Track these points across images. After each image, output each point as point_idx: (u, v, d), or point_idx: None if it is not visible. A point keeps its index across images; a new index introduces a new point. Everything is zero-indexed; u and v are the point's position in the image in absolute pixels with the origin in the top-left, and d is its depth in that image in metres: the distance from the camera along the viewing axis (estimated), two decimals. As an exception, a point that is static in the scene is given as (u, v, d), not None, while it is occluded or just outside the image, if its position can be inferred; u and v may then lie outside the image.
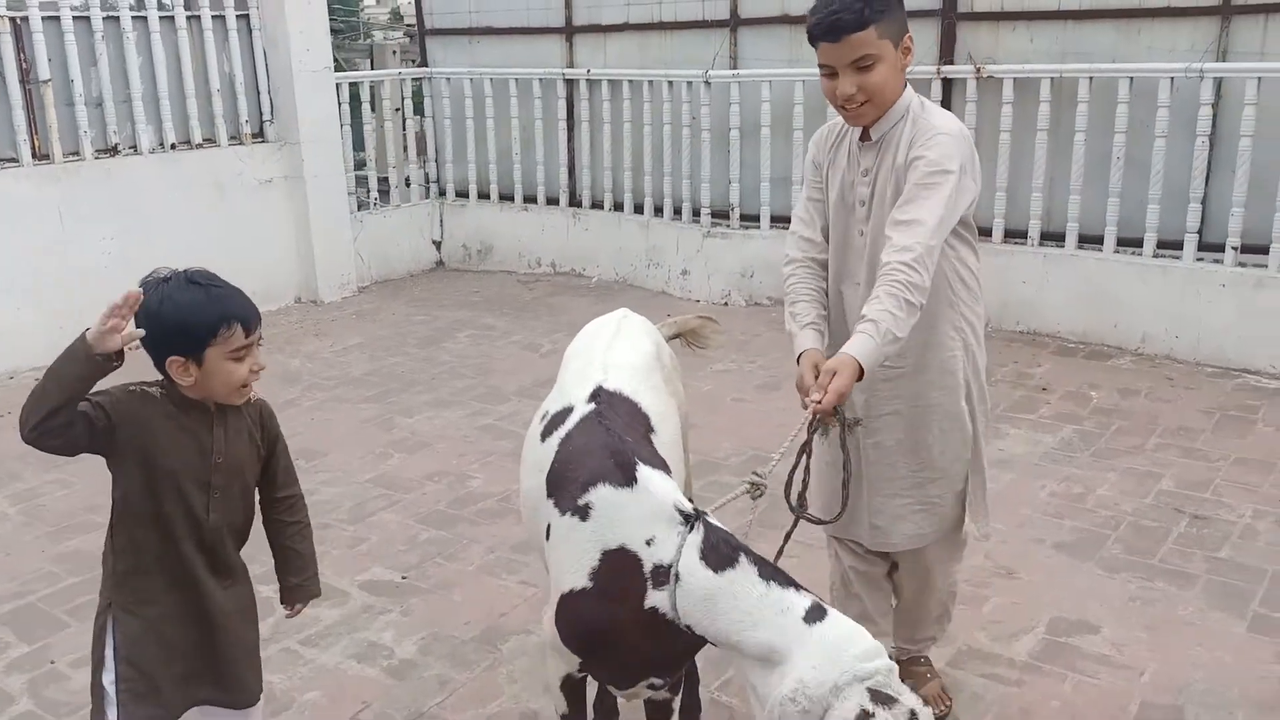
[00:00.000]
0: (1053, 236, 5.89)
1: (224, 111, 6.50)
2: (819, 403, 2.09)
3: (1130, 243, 5.63)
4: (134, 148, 6.07)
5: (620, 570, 1.90)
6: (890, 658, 1.74)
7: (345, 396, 5.30)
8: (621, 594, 1.90)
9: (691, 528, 1.87)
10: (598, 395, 2.20)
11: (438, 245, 8.09)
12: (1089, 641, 3.05)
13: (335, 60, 11.91)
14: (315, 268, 6.96)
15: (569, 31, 7.57)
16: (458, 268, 8.07)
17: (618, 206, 7.45)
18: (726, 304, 6.84)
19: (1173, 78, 5.30)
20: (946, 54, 6.07)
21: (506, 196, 7.89)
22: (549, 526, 2.09)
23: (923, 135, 2.30)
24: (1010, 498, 3.95)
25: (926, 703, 1.73)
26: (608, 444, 2.02)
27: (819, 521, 2.29)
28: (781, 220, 6.68)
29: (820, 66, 2.31)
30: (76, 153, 5.81)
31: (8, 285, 5.49)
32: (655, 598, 1.87)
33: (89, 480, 4.23)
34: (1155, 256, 5.54)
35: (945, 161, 2.25)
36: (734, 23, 6.85)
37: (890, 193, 2.33)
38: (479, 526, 3.88)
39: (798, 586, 1.80)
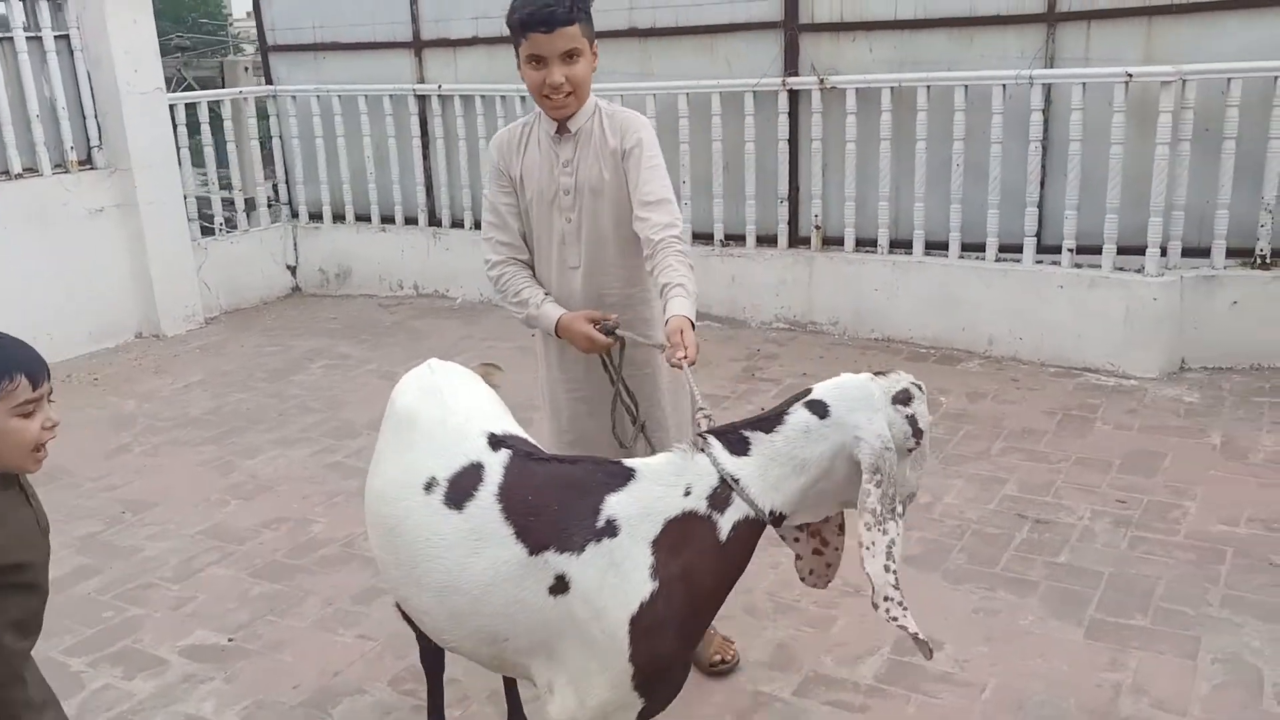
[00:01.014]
0: (901, 244, 5.95)
1: (46, 138, 6.04)
2: (687, 358, 2.22)
3: (974, 247, 5.72)
4: (4, 172, 5.58)
5: (684, 532, 1.87)
6: None
7: (182, 439, 4.96)
8: (698, 543, 1.87)
9: (703, 448, 1.92)
10: (501, 441, 2.07)
11: (293, 270, 7.73)
12: (933, 659, 3.01)
13: (185, 79, 11.36)
14: (155, 300, 6.54)
15: (418, 46, 7.33)
16: (315, 293, 7.72)
17: (478, 225, 7.22)
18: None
19: (1004, 84, 5.40)
20: (791, 65, 6.07)
21: (363, 217, 7.59)
22: (562, 579, 1.85)
23: (629, 124, 2.56)
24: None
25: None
26: (572, 465, 2.03)
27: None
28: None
29: (529, 58, 2.44)
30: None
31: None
32: (730, 515, 1.88)
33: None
34: (997, 260, 5.63)
35: (656, 146, 2.58)
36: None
37: (597, 177, 2.55)
38: (317, 576, 3.64)
39: (785, 408, 1.95)
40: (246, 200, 7.51)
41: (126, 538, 3.98)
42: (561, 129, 2.57)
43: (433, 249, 7.39)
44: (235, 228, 7.42)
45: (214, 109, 7.15)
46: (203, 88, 12.88)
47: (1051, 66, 5.50)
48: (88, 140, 6.30)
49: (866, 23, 5.88)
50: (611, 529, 1.84)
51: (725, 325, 6.38)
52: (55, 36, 6.04)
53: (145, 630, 3.34)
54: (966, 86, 5.49)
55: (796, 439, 1.90)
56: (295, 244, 7.70)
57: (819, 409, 1.92)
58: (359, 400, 5.41)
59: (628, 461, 1.98)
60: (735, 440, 1.93)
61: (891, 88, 5.70)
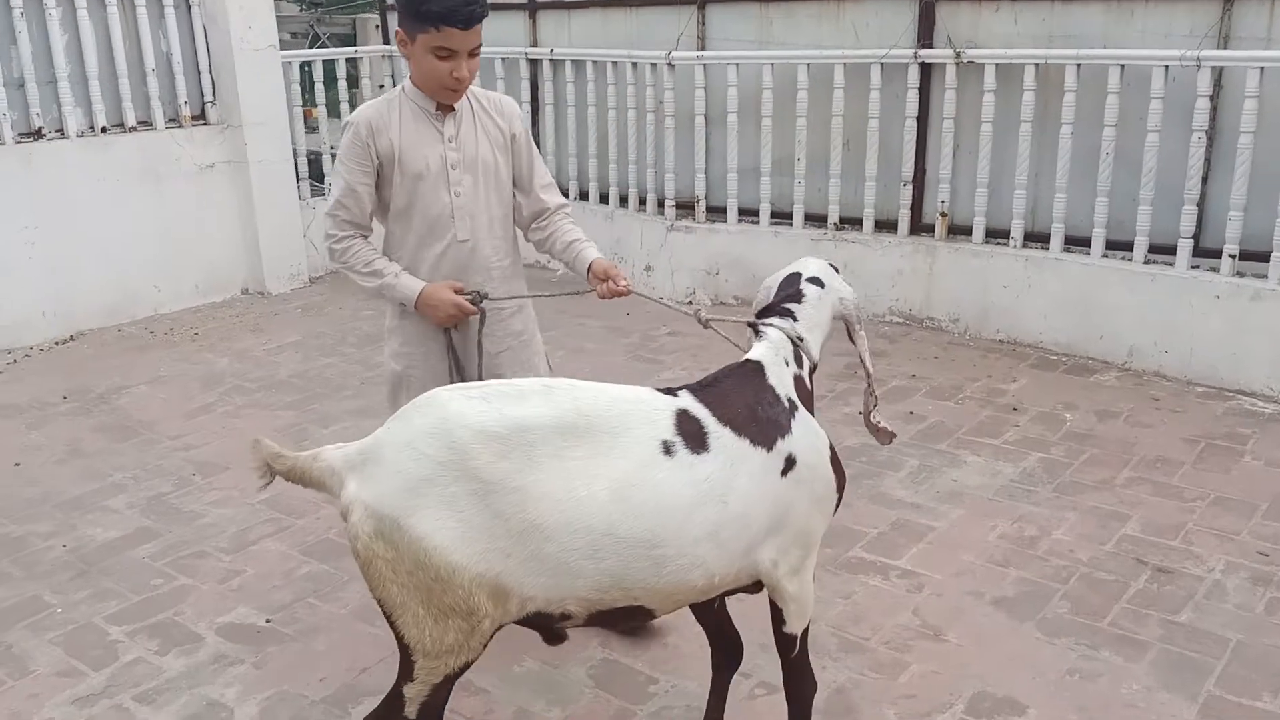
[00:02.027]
0: (1036, 237, 5.46)
1: (160, 93, 6.16)
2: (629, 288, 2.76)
3: (1120, 246, 5.19)
4: (60, 131, 5.75)
5: (800, 388, 2.31)
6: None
7: (265, 402, 4.98)
8: (805, 393, 2.32)
9: (761, 335, 2.35)
10: (662, 390, 2.23)
11: (400, 232, 7.73)
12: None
13: (319, 35, 11.59)
14: (261, 258, 6.64)
15: (533, 8, 7.17)
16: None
17: (583, 196, 7.07)
18: (691, 302, 6.45)
19: (1167, 66, 4.84)
20: (925, 36, 5.62)
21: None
22: (790, 459, 2.15)
23: (505, 106, 2.82)
24: (953, 540, 3.57)
25: None
26: (726, 378, 2.27)
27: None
28: (749, 214, 6.30)
29: (437, 49, 2.55)
30: (-3, 137, 5.50)
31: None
32: (805, 368, 2.36)
33: None
34: (1146, 263, 5.09)
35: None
36: (702, 0, 6.41)
37: (486, 153, 2.75)
38: (366, 560, 3.54)
39: (796, 287, 2.44)
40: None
41: (191, 501, 3.99)
42: (442, 106, 2.70)
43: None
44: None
45: (351, 67, 7.17)
46: (339, 44, 13.10)
47: (1225, 48, 4.89)
48: (201, 96, 6.40)
49: (1012, -9, 5.38)
50: (791, 405, 2.24)
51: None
52: (174, -10, 6.13)
53: (188, 602, 3.31)
54: (1123, 66, 4.95)
55: (815, 305, 2.42)
56: (404, 207, 7.69)
57: (818, 282, 2.47)
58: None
59: (749, 355, 2.31)
60: (786, 313, 2.40)
61: (1036, 64, 5.20)
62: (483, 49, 7.17)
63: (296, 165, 7.00)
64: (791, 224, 6.14)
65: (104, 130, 5.92)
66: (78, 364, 5.49)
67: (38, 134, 5.65)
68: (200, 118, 6.41)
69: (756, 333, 2.35)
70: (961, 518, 3.73)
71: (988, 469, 4.11)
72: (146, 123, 6.15)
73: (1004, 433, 4.44)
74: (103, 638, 3.11)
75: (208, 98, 6.41)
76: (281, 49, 6.69)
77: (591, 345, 5.74)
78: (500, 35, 7.26)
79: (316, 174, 7.48)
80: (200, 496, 4.03)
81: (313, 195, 7.16)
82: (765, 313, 2.42)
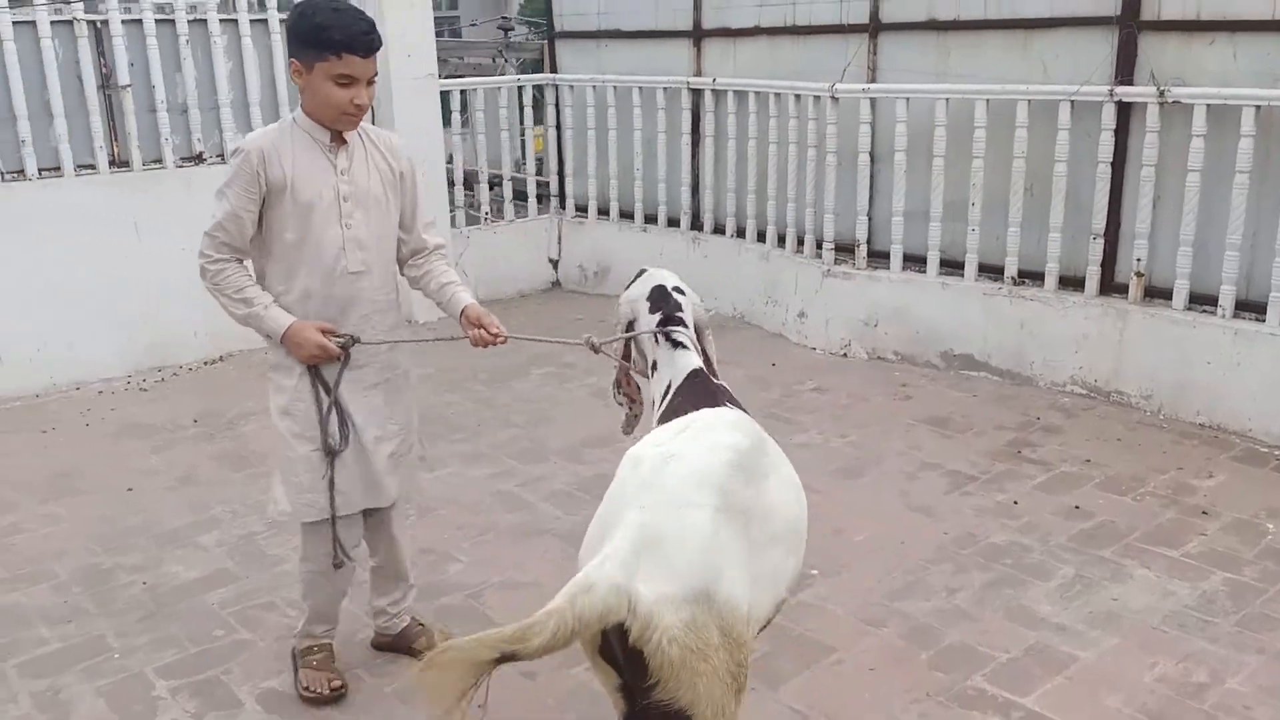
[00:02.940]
0: (1250, 307, 4.70)
1: (319, 120, 6.30)
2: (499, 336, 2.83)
3: (1357, 322, 4.37)
4: (220, 156, 5.97)
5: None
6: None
7: (378, 439, 4.93)
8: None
9: (679, 345, 2.56)
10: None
11: (554, 264, 7.66)
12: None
13: (506, 59, 11.83)
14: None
15: (697, 36, 6.92)
16: (574, 289, 7.61)
17: (739, 233, 6.75)
18: (845, 355, 6.00)
19: None
20: (1124, 71, 4.97)
21: (627, 214, 7.35)
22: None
23: (394, 144, 2.88)
24: (1100, 676, 3.00)
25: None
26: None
27: None
28: (916, 262, 5.79)
29: (338, 76, 2.58)
30: (159, 160, 5.75)
31: (80, 296, 5.48)
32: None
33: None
34: (1390, 344, 4.26)
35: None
36: (874, 27, 5.97)
37: (377, 188, 2.78)
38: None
39: (670, 301, 2.64)
40: (516, 190, 7.54)
41: (277, 544, 3.94)
42: (336, 137, 2.72)
43: (690, 253, 6.99)
44: (502, 217, 7.45)
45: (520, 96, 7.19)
46: (532, 69, 13.34)
47: None
48: (361, 123, 6.51)
49: (1231, 21, 4.66)
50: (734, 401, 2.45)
51: (1004, 380, 5.42)
52: (338, 20, 6.25)
53: (239, 661, 3.21)
54: (1368, 109, 4.17)
55: (688, 313, 2.61)
56: (560, 237, 7.62)
57: (681, 291, 2.65)
58: (562, 419, 5.13)
59: (691, 366, 2.51)
60: (680, 321, 2.57)
61: (1257, 106, 4.48)
62: (646, 77, 7.03)
63: (451, 195, 7.05)
64: (963, 275, 5.59)
65: (262, 156, 6.11)
66: (218, 386, 5.65)
67: (198, 158, 5.89)
68: (357, 145, 6.52)
69: (673, 343, 2.49)
70: (1115, 648, 3.15)
71: (1158, 587, 3.48)
72: (305, 149, 6.31)
73: (1186, 542, 3.77)
74: (147, 691, 3.05)
75: (366, 125, 6.52)
76: (474, 75, 6.74)
77: (726, 397, 5.39)
78: (662, 64, 7.06)
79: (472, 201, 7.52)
80: (288, 540, 3.96)
81: (468, 224, 7.18)
82: (664, 323, 2.56)
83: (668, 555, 1.73)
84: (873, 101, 5.75)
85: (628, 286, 2.80)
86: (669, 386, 2.49)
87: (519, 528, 4.05)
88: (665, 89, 6.90)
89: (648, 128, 7.05)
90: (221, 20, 5.83)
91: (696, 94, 6.85)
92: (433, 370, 5.86)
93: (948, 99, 5.43)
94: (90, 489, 4.41)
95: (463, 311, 2.84)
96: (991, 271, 5.52)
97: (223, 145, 5.96)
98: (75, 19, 5.32)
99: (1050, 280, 5.31)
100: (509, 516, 4.12)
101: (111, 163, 5.59)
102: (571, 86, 7.41)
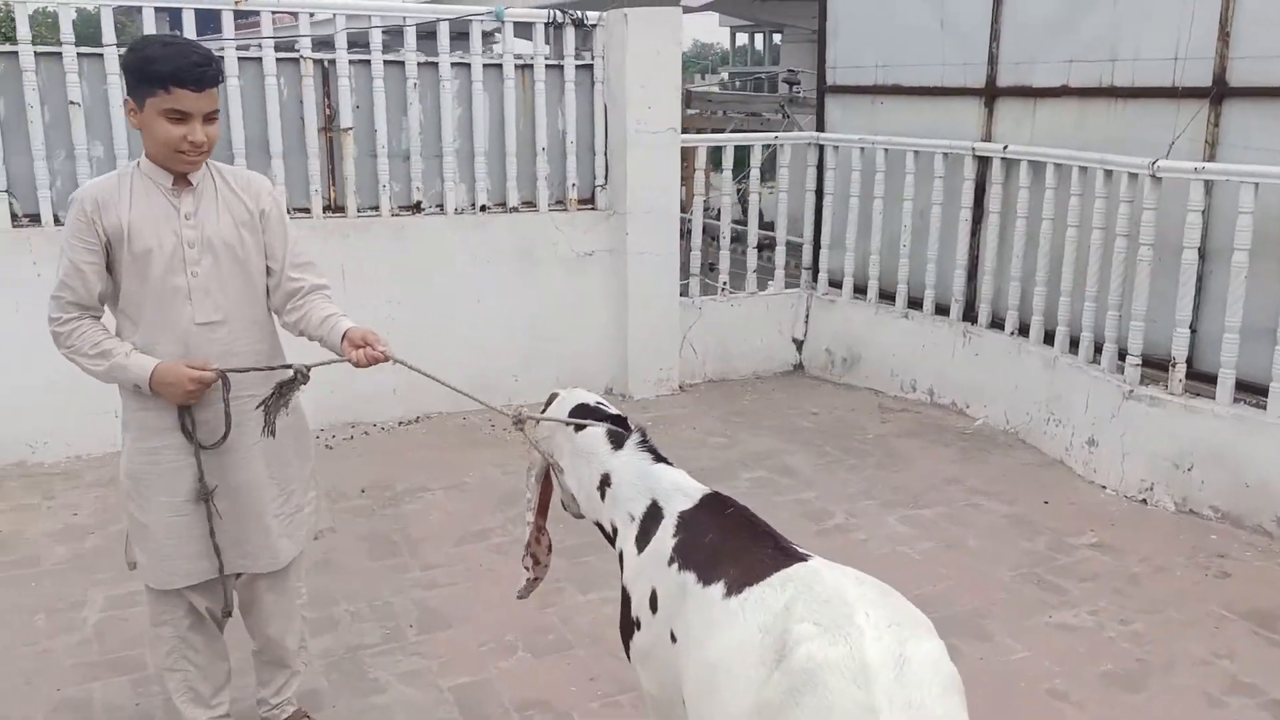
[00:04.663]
0: None
1: (549, 173, 5.93)
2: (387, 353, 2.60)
3: None
4: (439, 207, 5.71)
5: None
6: None
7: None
8: None
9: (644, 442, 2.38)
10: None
11: (798, 345, 6.85)
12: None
13: (788, 115, 11.18)
14: (628, 357, 6.14)
15: (989, 94, 5.91)
16: (817, 375, 6.76)
17: (1021, 331, 5.64)
18: (1144, 502, 4.75)
19: None
20: None
21: (887, 296, 6.43)
22: None
23: (255, 183, 2.72)
24: None
25: None
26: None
27: None
28: (1252, 392, 4.49)
29: (169, 112, 2.45)
30: (375, 208, 5.56)
31: (284, 342, 5.34)
32: None
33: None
34: None
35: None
36: (1217, 92, 4.73)
37: (229, 232, 2.61)
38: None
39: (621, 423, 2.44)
40: (762, 257, 6.84)
41: (384, 666, 3.41)
42: (179, 180, 2.58)
43: (960, 350, 5.95)
44: (741, 288, 6.76)
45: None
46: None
47: None
48: (593, 179, 6.08)
49: None
50: None
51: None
52: (577, 67, 5.87)
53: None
54: None
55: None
56: (807, 315, 6.82)
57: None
58: (760, 545, 4.30)
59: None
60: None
61: None
62: (924, 140, 6.10)
63: (689, 261, 6.47)
64: (1320, 417, 4.23)
65: (483, 209, 5.80)
66: (400, 451, 5.32)
67: (415, 208, 5.65)
68: (588, 202, 6.09)
69: (651, 454, 2.31)
70: None
71: None
72: (530, 204, 5.95)
73: None
74: None
75: (599, 181, 6.07)
76: (758, 129, 6.18)
77: (975, 541, 4.36)
78: (945, 126, 6.11)
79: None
80: (397, 663, 3.43)
81: (703, 294, 6.55)
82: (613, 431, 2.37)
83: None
84: (1207, 184, 4.54)
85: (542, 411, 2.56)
86: (653, 506, 2.21)
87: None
88: (946, 154, 5.96)
89: (921, 198, 6.13)
90: (454, 64, 5.57)
91: (983, 162, 5.85)
92: (629, 461, 5.23)
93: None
94: (228, 559, 4.12)
95: (344, 335, 2.61)
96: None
97: (442, 195, 5.71)
98: (302, 57, 5.24)
99: None
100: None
101: (326, 207, 5.45)
102: (836, 147, 6.62)
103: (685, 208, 7.03)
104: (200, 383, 2.53)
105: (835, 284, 6.72)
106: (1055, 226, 5.36)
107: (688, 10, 23.85)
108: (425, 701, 3.22)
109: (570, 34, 5.80)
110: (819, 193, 6.77)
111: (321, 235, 5.39)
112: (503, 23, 5.74)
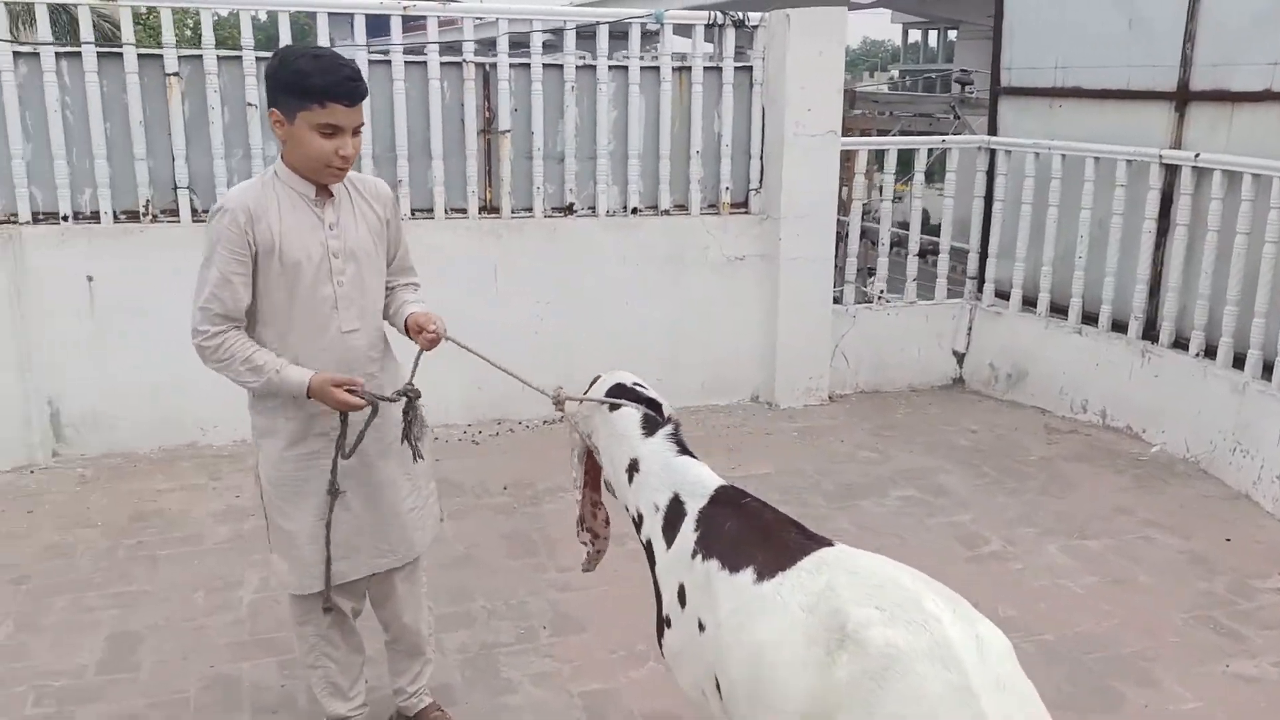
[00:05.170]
0: None
1: (703, 176, 5.88)
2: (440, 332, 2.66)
3: None
4: (591, 209, 5.75)
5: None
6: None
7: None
8: None
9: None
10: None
11: (959, 358, 6.58)
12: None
13: (959, 116, 10.78)
14: (776, 365, 6.03)
15: (1181, 98, 5.52)
16: (978, 390, 6.48)
17: (1207, 353, 5.24)
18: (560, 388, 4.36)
19: None
20: None
21: (1058, 310, 6.10)
22: None
23: (380, 189, 2.76)
24: None
25: None
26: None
27: None
28: None
29: (322, 126, 2.47)
30: (528, 209, 5.64)
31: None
32: None
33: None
34: None
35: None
36: None
37: (365, 241, 2.68)
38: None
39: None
40: (922, 264, 6.60)
41: (516, 665, 3.43)
42: (321, 191, 2.61)
43: (1138, 370, 5.59)
44: (900, 296, 6.55)
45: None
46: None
47: None
48: (747, 183, 6.00)
49: None
50: None
51: None
52: (736, 69, 5.80)
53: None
54: None
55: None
56: (970, 327, 6.54)
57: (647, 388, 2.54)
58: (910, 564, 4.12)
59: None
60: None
61: None
62: (1106, 146, 5.82)
63: (844, 268, 6.31)
64: None
65: (634, 211, 5.80)
66: (545, 449, 5.37)
67: (568, 209, 5.71)
68: (741, 206, 6.01)
69: (677, 445, 2.34)
70: None
71: None
72: (682, 207, 5.92)
73: None
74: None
75: (753, 185, 5.99)
76: (926, 130, 6.02)
77: (1146, 577, 4.07)
78: (1129, 131, 5.74)
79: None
80: (529, 663, 3.46)
81: (857, 303, 6.38)
82: (648, 418, 2.39)
83: None
84: None
85: (559, 394, 2.60)
86: (676, 500, 2.25)
87: None
88: (1130, 162, 5.60)
89: (1100, 208, 5.78)
90: (611, 67, 5.60)
91: (1171, 171, 5.47)
92: (770, 470, 5.14)
93: None
94: (375, 549, 4.26)
95: (406, 321, 2.72)
96: None
97: (594, 197, 5.74)
98: (465, 61, 5.35)
99: None
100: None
101: (481, 208, 5.56)
102: (1009, 151, 6.32)
103: (842, 210, 6.87)
104: (348, 406, 2.55)
105: (1002, 295, 6.43)
106: (1251, 242, 4.95)
107: (857, 7, 23.38)
108: (555, 705, 3.23)
109: (730, 35, 5.74)
110: (988, 199, 6.49)
111: (476, 235, 5.51)
112: (662, 25, 5.73)
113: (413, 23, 5.43)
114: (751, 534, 2.08)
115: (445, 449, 5.33)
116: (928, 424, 5.89)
